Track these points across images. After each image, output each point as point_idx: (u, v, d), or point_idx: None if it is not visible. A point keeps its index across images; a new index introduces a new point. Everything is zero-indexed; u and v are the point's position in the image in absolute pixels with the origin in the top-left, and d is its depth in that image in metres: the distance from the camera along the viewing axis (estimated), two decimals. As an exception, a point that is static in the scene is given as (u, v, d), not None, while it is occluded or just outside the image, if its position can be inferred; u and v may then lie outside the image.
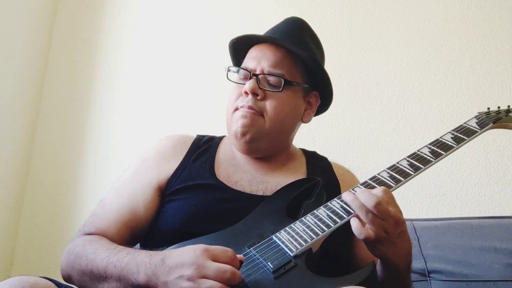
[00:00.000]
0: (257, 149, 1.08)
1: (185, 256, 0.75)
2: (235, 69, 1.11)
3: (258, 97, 1.04)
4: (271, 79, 1.05)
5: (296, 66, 1.09)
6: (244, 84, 1.05)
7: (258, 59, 1.07)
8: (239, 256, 0.79)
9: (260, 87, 1.04)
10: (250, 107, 1.03)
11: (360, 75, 1.89)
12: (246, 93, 1.04)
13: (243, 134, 1.04)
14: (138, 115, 2.02)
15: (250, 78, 1.05)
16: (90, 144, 2.02)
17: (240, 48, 1.15)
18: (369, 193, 0.83)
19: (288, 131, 1.12)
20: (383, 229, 0.81)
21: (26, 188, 1.99)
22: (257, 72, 1.05)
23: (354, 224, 0.83)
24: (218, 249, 0.77)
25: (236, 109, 1.06)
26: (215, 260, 0.75)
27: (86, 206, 1.92)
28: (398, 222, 0.82)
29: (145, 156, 1.09)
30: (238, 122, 1.04)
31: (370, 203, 0.81)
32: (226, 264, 0.75)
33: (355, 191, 0.88)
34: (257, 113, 1.04)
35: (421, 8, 1.91)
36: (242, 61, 1.12)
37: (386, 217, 0.81)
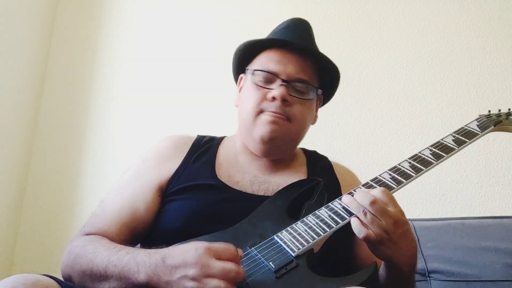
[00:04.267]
0: (277, 152, 1.09)
1: (187, 255, 0.74)
2: (261, 73, 1.06)
3: (286, 103, 1.04)
4: (298, 85, 1.06)
5: (314, 70, 1.10)
6: (269, 88, 1.04)
7: (284, 64, 1.05)
8: (238, 250, 0.78)
9: (290, 94, 1.04)
10: (279, 113, 1.03)
11: (360, 75, 1.89)
12: (273, 98, 1.03)
13: (271, 139, 1.04)
14: (138, 115, 2.02)
15: (281, 84, 1.03)
16: (90, 144, 2.02)
17: (249, 51, 1.12)
18: (365, 193, 0.84)
19: (305, 134, 1.14)
20: (383, 229, 0.81)
21: (26, 188, 1.99)
22: (283, 77, 1.04)
23: (354, 223, 0.83)
24: (220, 246, 0.76)
25: (261, 111, 1.04)
26: (218, 258, 0.74)
27: (86, 206, 1.92)
28: (398, 222, 0.82)
29: (145, 157, 1.09)
30: (265, 126, 1.03)
31: (365, 201, 0.82)
32: (229, 261, 0.74)
33: (355, 192, 0.88)
34: (285, 118, 1.04)
35: (421, 8, 1.91)
36: (249, 64, 1.11)
37: (384, 217, 0.81)
